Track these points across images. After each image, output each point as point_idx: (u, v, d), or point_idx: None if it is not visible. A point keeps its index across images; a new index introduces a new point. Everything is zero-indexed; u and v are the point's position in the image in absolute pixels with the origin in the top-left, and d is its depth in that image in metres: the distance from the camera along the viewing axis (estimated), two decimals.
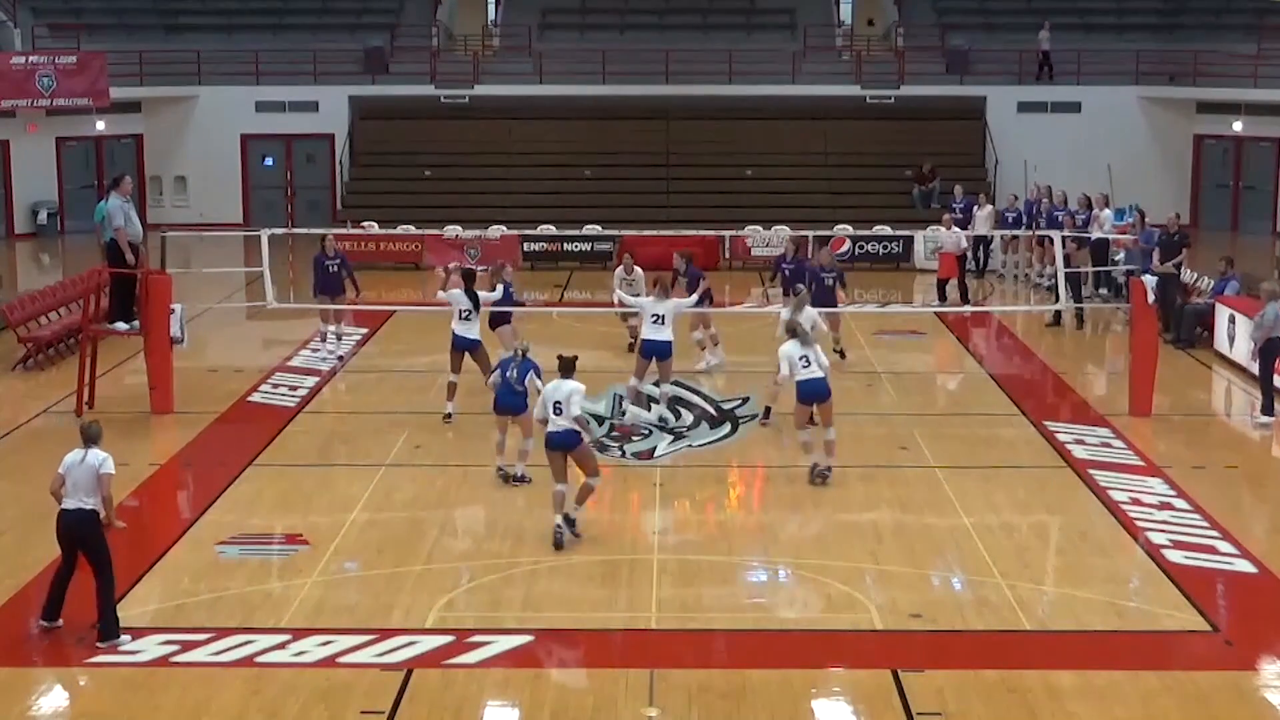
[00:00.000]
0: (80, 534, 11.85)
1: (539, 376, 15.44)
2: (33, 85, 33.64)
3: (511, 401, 15.74)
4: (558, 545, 13.97)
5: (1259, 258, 29.22)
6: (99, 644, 11.75)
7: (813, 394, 15.91)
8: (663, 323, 18.42)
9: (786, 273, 21.50)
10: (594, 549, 14.12)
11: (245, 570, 13.70)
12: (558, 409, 14.11)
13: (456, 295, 18.54)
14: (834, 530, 14.85)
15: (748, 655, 11.91)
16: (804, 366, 15.81)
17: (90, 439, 12.03)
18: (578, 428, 14.22)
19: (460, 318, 18.46)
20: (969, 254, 28.68)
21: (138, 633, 12.04)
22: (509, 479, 16.00)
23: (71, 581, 12.01)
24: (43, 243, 35.23)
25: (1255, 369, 19.75)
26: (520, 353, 15.76)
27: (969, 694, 11.04)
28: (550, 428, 14.18)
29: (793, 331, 16.31)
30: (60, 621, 12.08)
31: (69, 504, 11.86)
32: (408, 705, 10.85)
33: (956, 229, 27.48)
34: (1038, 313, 26.04)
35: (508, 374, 15.69)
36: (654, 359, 18.51)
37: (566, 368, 14.45)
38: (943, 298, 26.82)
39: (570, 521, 14.22)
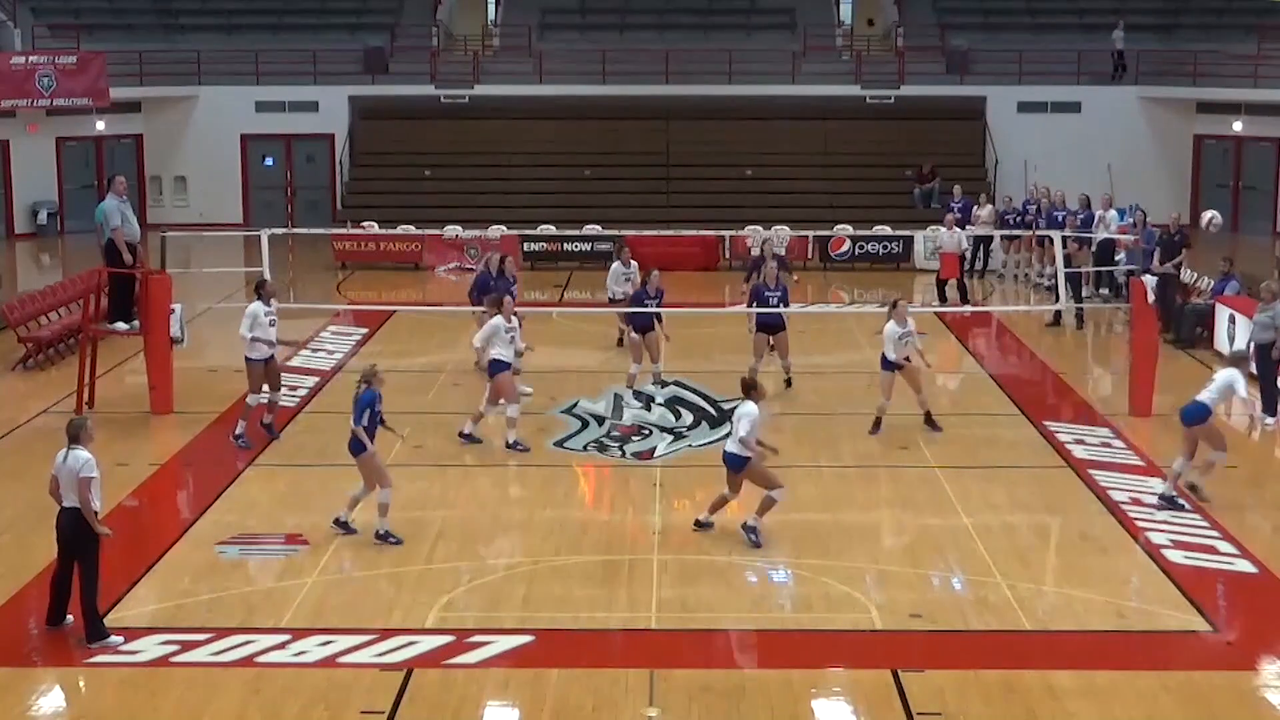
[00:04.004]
0: (68, 534, 11.84)
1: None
2: (33, 85, 33.63)
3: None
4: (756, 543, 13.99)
5: (1259, 258, 29.21)
6: (89, 644, 11.75)
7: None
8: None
9: None
10: (594, 549, 14.12)
11: (245, 570, 13.71)
12: None
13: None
14: (834, 530, 14.84)
15: (748, 655, 11.92)
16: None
17: (72, 436, 11.97)
18: (745, 452, 13.97)
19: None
20: (968, 254, 28.67)
21: (137, 633, 12.05)
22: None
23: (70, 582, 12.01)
24: (43, 243, 35.22)
25: (1254, 368, 19.70)
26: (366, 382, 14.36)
27: (969, 694, 11.04)
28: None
29: (1237, 361, 15.86)
30: (70, 619, 12.06)
31: (66, 503, 11.87)
32: (408, 705, 10.86)
33: (958, 229, 27.48)
34: (1038, 313, 26.03)
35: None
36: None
37: (747, 388, 14.30)
38: (943, 299, 26.80)
39: (752, 529, 14.10)
